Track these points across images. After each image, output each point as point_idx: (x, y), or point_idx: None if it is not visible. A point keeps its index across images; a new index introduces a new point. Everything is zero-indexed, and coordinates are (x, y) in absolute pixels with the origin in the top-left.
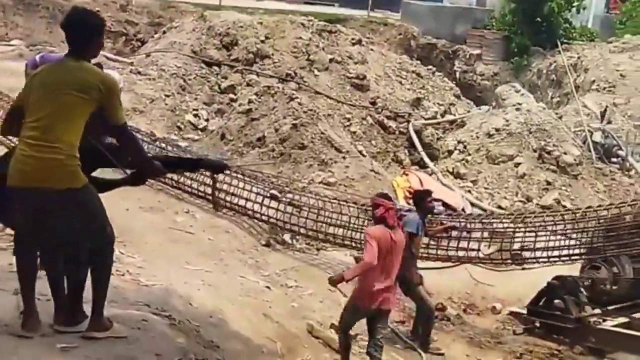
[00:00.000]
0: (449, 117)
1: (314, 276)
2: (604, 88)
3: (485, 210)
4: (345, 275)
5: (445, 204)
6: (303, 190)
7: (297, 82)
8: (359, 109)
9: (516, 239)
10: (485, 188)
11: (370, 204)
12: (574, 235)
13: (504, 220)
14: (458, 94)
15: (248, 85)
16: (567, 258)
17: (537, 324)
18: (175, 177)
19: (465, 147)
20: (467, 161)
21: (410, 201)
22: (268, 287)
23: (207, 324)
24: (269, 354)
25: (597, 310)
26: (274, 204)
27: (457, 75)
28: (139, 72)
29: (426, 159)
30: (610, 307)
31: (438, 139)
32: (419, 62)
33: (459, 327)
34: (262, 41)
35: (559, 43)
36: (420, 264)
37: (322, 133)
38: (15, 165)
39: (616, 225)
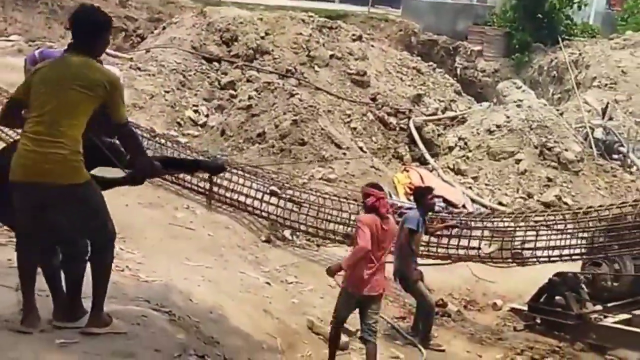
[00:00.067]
0: (449, 114)
1: (314, 272)
2: (605, 84)
3: (486, 206)
4: (343, 263)
5: (446, 201)
6: (303, 186)
7: (298, 78)
8: (360, 105)
9: (517, 238)
10: (486, 184)
11: (362, 194)
12: (575, 235)
13: (504, 219)
14: (459, 91)
15: (248, 81)
16: (568, 257)
17: (538, 321)
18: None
19: (466, 143)
20: (467, 157)
21: (411, 197)
22: (268, 283)
23: (207, 319)
24: (269, 349)
25: (598, 307)
26: (274, 200)
27: (458, 71)
28: (139, 68)
29: (427, 156)
30: (611, 304)
31: (439, 135)
32: (419, 58)
33: (460, 324)
34: (262, 37)
35: (560, 39)
36: (420, 260)
37: (322, 129)
38: (18, 160)
39: (617, 225)
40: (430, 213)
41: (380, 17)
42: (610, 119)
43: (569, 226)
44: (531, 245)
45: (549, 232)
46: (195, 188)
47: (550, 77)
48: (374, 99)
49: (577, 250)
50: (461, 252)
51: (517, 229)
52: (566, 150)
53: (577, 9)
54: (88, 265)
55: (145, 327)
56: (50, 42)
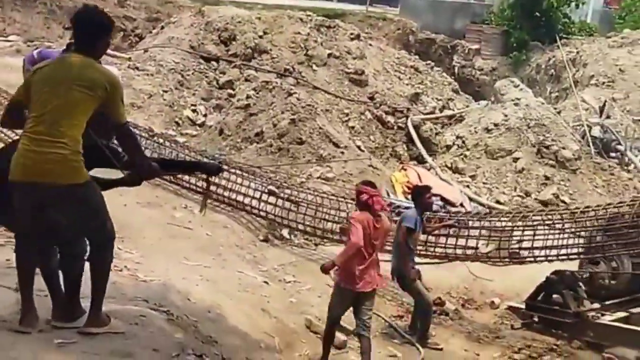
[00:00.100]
0: (447, 112)
1: (312, 271)
2: (603, 83)
3: (483, 204)
4: (336, 260)
5: (443, 199)
6: (301, 185)
7: (296, 77)
8: (358, 104)
9: (514, 238)
10: (484, 183)
11: (355, 192)
12: (573, 234)
13: (502, 219)
14: (457, 89)
15: (246, 80)
16: (566, 257)
17: (536, 319)
18: None
19: (463, 142)
20: (465, 156)
21: (409, 196)
22: (266, 282)
23: (205, 319)
24: (267, 349)
25: (596, 305)
26: (272, 199)
27: (456, 70)
28: (137, 68)
29: (424, 154)
30: (608, 302)
31: (437, 134)
32: (417, 57)
33: (457, 322)
34: (261, 36)
35: (557, 38)
36: (418, 259)
37: (320, 128)
38: (18, 159)
39: (615, 224)
40: (427, 213)
41: (378, 15)
42: (608, 117)
43: (566, 225)
44: (529, 244)
45: (547, 231)
46: (194, 188)
47: (547, 75)
48: (371, 98)
49: (575, 250)
50: (459, 251)
51: (515, 228)
52: (564, 148)
53: (574, 7)
54: (86, 265)
55: (143, 327)
56: (48, 42)
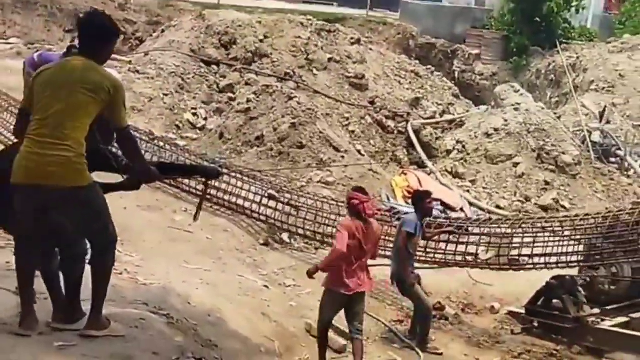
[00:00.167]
0: (447, 117)
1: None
2: (603, 88)
3: (483, 209)
4: (320, 265)
5: (444, 204)
6: (301, 189)
7: (296, 82)
8: (358, 109)
9: (514, 245)
10: (484, 188)
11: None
12: (572, 242)
13: (502, 226)
14: (457, 94)
15: (247, 84)
16: (565, 265)
17: (536, 324)
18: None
19: (464, 146)
20: (465, 161)
21: (409, 201)
22: (266, 286)
23: (205, 322)
24: (267, 353)
25: (596, 310)
26: (272, 203)
27: (456, 75)
28: (138, 71)
29: (425, 159)
30: (608, 307)
31: (437, 138)
32: (417, 61)
33: (457, 327)
34: (261, 40)
35: (558, 43)
36: (417, 264)
37: (320, 132)
38: (20, 162)
39: (614, 232)
40: (427, 218)
41: (378, 20)
42: (608, 122)
43: (566, 232)
44: (528, 251)
45: (546, 238)
46: (194, 191)
47: (548, 80)
48: (372, 102)
49: (575, 258)
50: (458, 257)
51: (515, 235)
52: (564, 153)
53: (575, 13)
54: (87, 268)
55: (143, 330)
56: (49, 45)
